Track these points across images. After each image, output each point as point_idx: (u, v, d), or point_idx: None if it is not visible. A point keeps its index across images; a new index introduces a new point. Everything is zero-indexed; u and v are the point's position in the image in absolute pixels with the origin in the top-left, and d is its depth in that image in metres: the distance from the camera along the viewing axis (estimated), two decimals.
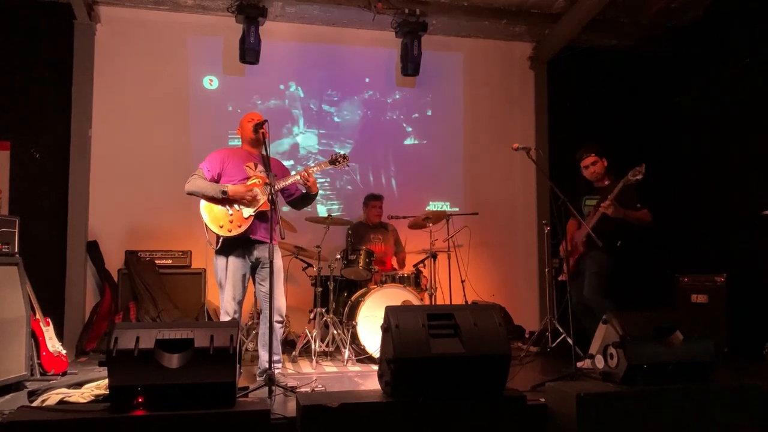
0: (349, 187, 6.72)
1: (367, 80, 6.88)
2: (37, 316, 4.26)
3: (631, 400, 3.06)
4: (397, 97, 6.95)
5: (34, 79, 6.00)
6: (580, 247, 4.71)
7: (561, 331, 5.20)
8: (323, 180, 6.57)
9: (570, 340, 4.56)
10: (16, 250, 4.07)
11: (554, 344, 5.26)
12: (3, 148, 5.90)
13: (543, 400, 3.25)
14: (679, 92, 6.96)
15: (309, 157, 6.61)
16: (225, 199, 3.94)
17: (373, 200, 6.09)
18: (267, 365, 3.64)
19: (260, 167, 4.11)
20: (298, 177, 4.12)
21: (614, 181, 4.63)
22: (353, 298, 5.36)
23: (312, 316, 5.32)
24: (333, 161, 4.34)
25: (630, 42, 7.13)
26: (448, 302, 5.60)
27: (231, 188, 3.94)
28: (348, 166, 4.44)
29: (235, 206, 3.96)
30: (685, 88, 6.88)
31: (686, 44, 6.91)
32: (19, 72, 5.96)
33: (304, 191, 4.26)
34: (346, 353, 4.98)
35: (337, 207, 6.65)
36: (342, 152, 4.39)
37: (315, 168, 4.21)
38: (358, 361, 4.99)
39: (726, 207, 6.27)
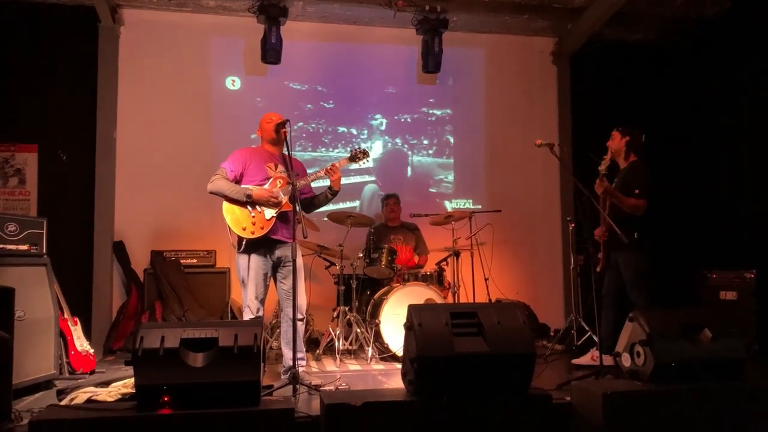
0: (370, 185, 6.72)
1: (388, 78, 6.85)
2: (66, 316, 4.33)
3: (659, 399, 3.01)
4: (418, 94, 6.91)
5: (60, 83, 6.09)
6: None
7: (586, 329, 5.14)
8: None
9: (596, 338, 4.51)
10: (44, 251, 4.13)
11: (579, 342, 5.20)
12: (30, 151, 6.01)
13: (569, 399, 3.22)
14: (705, 86, 6.82)
15: (330, 156, 6.62)
16: (248, 202, 3.96)
17: (387, 198, 6.08)
18: (291, 363, 3.65)
19: (281, 167, 4.12)
20: (323, 172, 4.13)
21: (632, 164, 4.51)
22: (376, 296, 5.37)
23: (335, 314, 5.32)
24: (353, 158, 4.32)
25: (654, 35, 7.00)
26: (471, 300, 5.57)
27: (256, 192, 3.95)
28: (368, 161, 4.42)
29: (257, 208, 3.97)
30: (712, 81, 6.74)
31: (712, 36, 6.76)
32: (45, 76, 6.05)
33: (312, 194, 4.29)
34: (370, 351, 4.98)
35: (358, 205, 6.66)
36: (362, 148, 4.38)
37: (337, 164, 4.21)
38: (382, 359, 4.98)
39: (754, 201, 6.14)
